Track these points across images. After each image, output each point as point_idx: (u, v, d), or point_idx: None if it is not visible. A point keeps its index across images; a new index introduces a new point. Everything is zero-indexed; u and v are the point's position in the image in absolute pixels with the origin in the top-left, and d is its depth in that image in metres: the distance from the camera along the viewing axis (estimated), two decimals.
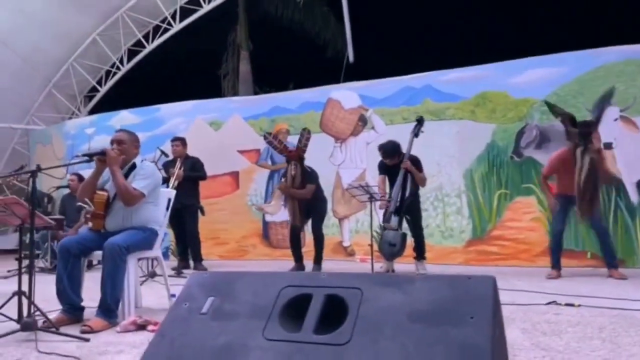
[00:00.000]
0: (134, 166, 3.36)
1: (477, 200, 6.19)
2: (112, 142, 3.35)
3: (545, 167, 5.09)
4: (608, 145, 5.56)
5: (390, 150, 5.04)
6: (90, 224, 3.18)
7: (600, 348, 2.36)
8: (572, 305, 3.32)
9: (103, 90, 10.65)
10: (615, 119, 5.63)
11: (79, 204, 3.24)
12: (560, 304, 3.34)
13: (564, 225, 4.87)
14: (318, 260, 5.34)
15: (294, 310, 1.08)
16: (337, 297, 1.06)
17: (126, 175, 3.28)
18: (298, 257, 5.42)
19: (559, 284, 4.40)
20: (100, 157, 3.18)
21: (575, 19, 8.50)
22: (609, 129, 5.60)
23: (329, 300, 1.06)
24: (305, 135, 5.39)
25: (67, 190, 6.97)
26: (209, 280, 1.22)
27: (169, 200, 3.64)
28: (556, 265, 4.80)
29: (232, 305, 1.13)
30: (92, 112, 10.45)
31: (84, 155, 3.20)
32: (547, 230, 5.81)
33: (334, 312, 1.04)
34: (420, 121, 5.16)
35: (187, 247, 6.13)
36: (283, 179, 5.45)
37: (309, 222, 5.50)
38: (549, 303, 3.38)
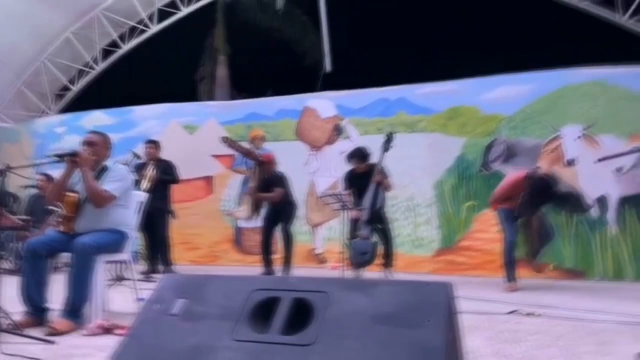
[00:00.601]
0: (105, 168, 3.35)
1: (447, 211, 6.34)
2: (83, 144, 3.33)
3: (496, 192, 5.05)
4: (571, 162, 5.77)
5: (360, 153, 5.17)
6: (61, 227, 3.14)
7: (557, 356, 2.47)
8: (532, 314, 3.45)
9: (75, 89, 10.45)
10: (578, 137, 5.86)
11: (51, 207, 3.20)
12: (522, 314, 3.46)
13: (516, 237, 4.85)
14: (287, 261, 5.40)
15: (263, 312, 1.12)
16: (304, 300, 1.11)
17: (97, 177, 3.26)
18: (267, 262, 5.46)
19: (521, 294, 4.53)
20: (71, 158, 3.16)
21: (544, 40, 8.83)
22: (571, 147, 5.83)
23: (296, 303, 1.11)
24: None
25: (34, 191, 6.83)
26: (180, 282, 1.25)
27: (141, 203, 3.63)
28: (512, 278, 4.76)
29: (202, 307, 1.16)
30: (63, 111, 10.24)
31: (55, 155, 3.18)
32: None
33: (301, 315, 1.09)
34: (389, 137, 5.26)
35: (157, 251, 6.08)
36: (251, 184, 5.56)
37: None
38: (511, 312, 3.50)
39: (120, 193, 3.26)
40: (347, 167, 6.09)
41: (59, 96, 10.65)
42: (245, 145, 6.30)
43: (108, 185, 3.22)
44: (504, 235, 4.89)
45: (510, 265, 4.82)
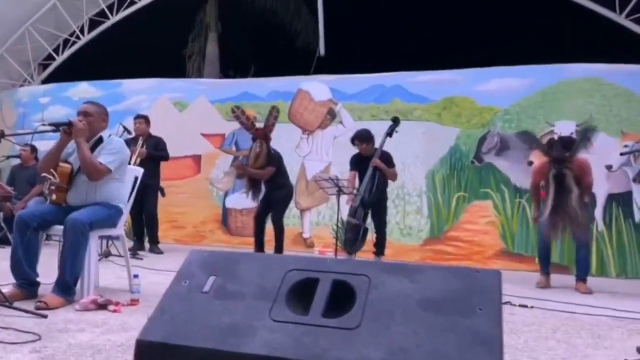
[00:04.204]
0: (100, 140, 3.24)
1: (437, 201, 6.36)
2: (78, 114, 3.21)
3: (532, 177, 4.79)
4: (609, 168, 5.70)
5: (365, 135, 5.09)
6: (54, 196, 3.03)
7: (556, 348, 2.49)
8: (525, 306, 3.48)
9: (60, 59, 10.11)
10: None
11: (44, 174, 3.08)
12: (514, 305, 3.49)
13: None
14: (278, 252, 5.31)
15: (300, 293, 1.08)
16: (345, 282, 1.07)
17: (92, 149, 3.16)
18: (260, 245, 5.38)
19: (510, 285, 4.57)
20: (65, 128, 3.04)
21: (542, 34, 8.85)
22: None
23: (336, 285, 1.07)
24: (273, 114, 5.37)
25: (16, 161, 6.62)
26: (208, 259, 1.19)
27: (136, 178, 3.53)
28: (545, 270, 4.66)
29: (236, 286, 1.11)
30: (46, 81, 9.93)
31: (49, 124, 3.06)
32: (500, 234, 6.06)
33: (341, 298, 1.05)
34: (395, 121, 5.22)
35: (144, 228, 5.97)
36: (242, 158, 5.37)
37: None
38: (504, 303, 3.52)
39: (116, 167, 3.17)
40: (339, 152, 6.05)
41: (43, 65, 10.31)
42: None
43: (103, 157, 3.12)
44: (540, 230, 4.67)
45: (544, 259, 4.66)
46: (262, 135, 5.27)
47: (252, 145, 5.31)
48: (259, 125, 5.88)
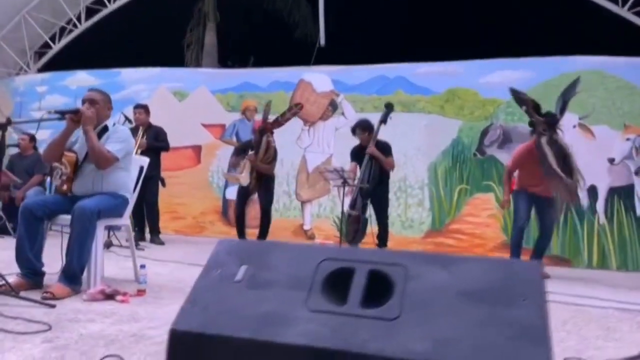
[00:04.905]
0: (106, 128, 3.19)
1: (439, 193, 6.36)
2: (84, 101, 3.15)
3: (509, 161, 4.85)
4: (611, 161, 5.75)
5: (367, 124, 5.07)
6: (65, 187, 2.99)
7: (567, 339, 2.49)
8: None
9: (56, 47, 9.97)
10: (574, 126, 5.91)
11: (55, 164, 3.03)
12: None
13: (526, 222, 4.64)
14: (263, 235, 5.31)
15: (335, 283, 1.05)
16: (381, 272, 1.04)
17: (98, 137, 3.10)
18: (241, 233, 5.35)
19: None
20: (73, 116, 2.99)
21: (545, 26, 8.82)
22: (567, 136, 5.85)
23: (372, 275, 1.05)
24: (267, 109, 5.35)
25: (15, 150, 6.54)
26: (239, 248, 1.17)
27: (141, 168, 3.49)
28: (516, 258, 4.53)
29: (269, 275, 1.09)
30: (43, 69, 9.81)
31: (56, 112, 2.99)
32: (502, 227, 6.07)
33: (378, 288, 1.03)
34: (388, 107, 5.17)
35: (145, 218, 5.93)
36: (252, 151, 5.32)
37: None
38: None
39: (122, 155, 3.12)
40: (341, 144, 6.01)
41: (39, 54, 10.17)
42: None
43: (110, 146, 3.06)
44: (515, 217, 4.67)
45: (515, 248, 4.58)
46: (274, 129, 5.29)
47: (261, 139, 5.26)
48: (260, 116, 5.85)
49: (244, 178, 5.16)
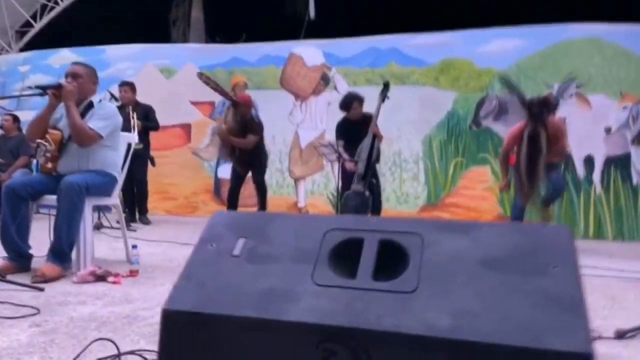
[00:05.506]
0: (91, 105, 3.05)
1: (434, 167, 6.27)
2: (66, 76, 3.00)
3: (504, 143, 4.73)
4: (608, 130, 5.65)
5: (361, 97, 4.92)
6: (49, 165, 2.87)
7: None
8: None
9: (38, 25, 9.68)
10: (571, 95, 5.82)
11: (38, 141, 2.90)
12: None
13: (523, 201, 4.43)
14: (262, 207, 5.20)
15: (343, 255, 0.96)
16: (394, 242, 0.95)
17: (82, 114, 2.96)
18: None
19: None
20: (55, 91, 2.85)
21: None
22: (564, 105, 5.78)
23: (383, 246, 0.95)
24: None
25: None
26: (235, 221, 1.07)
27: (129, 145, 3.36)
28: None
29: (270, 248, 0.99)
30: (25, 49, 9.51)
31: (37, 87, 2.86)
32: (498, 200, 6.02)
33: (391, 259, 0.94)
34: (386, 85, 5.04)
35: (134, 199, 5.81)
36: (223, 125, 5.14)
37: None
38: None
39: (107, 133, 2.98)
40: (334, 119, 5.86)
41: (20, 33, 9.86)
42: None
43: (94, 123, 2.93)
44: (516, 196, 4.55)
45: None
46: (247, 102, 5.07)
47: (232, 112, 5.07)
48: (250, 91, 5.66)
49: (210, 154, 4.91)
